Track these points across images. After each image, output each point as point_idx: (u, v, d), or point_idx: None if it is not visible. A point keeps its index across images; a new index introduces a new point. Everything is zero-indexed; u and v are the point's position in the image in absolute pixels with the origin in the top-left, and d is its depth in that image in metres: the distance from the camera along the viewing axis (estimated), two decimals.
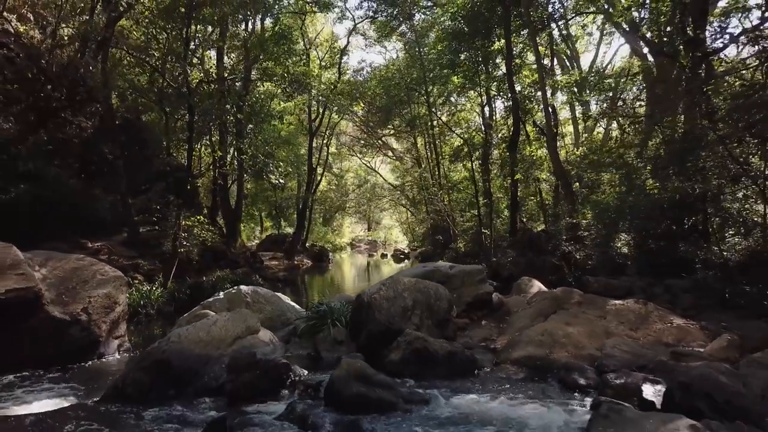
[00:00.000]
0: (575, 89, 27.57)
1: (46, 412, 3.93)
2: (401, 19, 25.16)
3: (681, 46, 12.48)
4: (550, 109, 19.67)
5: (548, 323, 5.75)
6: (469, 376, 4.50)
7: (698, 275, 8.29)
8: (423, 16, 25.62)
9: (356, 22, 25.25)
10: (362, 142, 36.07)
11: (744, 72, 10.57)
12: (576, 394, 4.01)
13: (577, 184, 16.56)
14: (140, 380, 4.22)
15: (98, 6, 14.21)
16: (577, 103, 27.35)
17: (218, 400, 4.08)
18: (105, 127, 13.37)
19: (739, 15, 12.70)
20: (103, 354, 6.71)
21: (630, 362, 4.34)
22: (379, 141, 35.12)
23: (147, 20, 12.00)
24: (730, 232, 10.17)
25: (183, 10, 11.61)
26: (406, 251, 36.07)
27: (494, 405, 3.71)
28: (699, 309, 7.38)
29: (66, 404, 4.24)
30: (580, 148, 19.24)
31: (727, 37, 11.81)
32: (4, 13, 15.78)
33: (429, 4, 26.88)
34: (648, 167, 11.77)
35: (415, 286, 5.52)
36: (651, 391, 3.53)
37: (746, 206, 9.79)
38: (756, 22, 11.13)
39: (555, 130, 17.99)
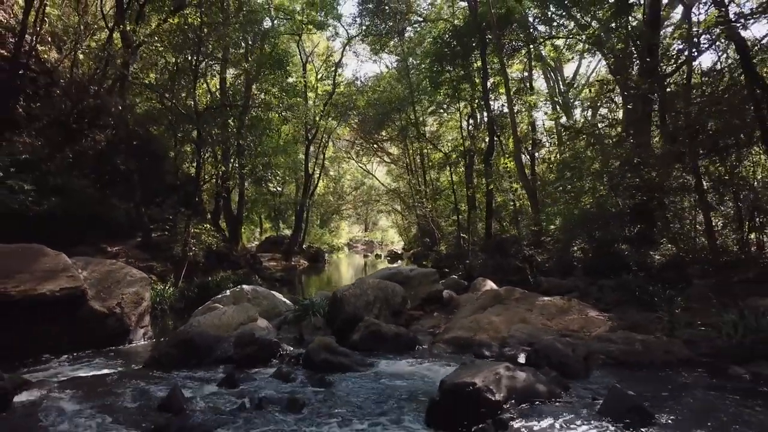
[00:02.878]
0: (558, 100, 29.23)
1: (108, 374, 5.61)
2: (394, 33, 26.74)
3: (634, 70, 14.13)
4: (529, 122, 21.30)
5: (482, 314, 7.41)
6: (410, 351, 6.17)
7: (623, 277, 9.94)
8: (413, 34, 27.26)
9: (350, 36, 26.88)
10: (357, 147, 37.57)
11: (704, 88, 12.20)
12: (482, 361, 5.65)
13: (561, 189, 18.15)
14: (172, 353, 5.89)
15: (113, 33, 15.84)
16: (561, 113, 28.95)
17: (228, 366, 5.72)
18: (120, 142, 15.00)
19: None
20: (132, 340, 8.31)
21: (525, 341, 5.99)
22: (375, 145, 36.63)
23: (160, 54, 13.64)
24: (663, 240, 11.89)
25: (191, 42, 13.26)
26: (399, 252, 37.78)
27: (419, 367, 5.37)
28: (617, 304, 9.02)
29: (119, 370, 5.91)
30: (562, 155, 20.88)
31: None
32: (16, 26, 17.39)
33: (419, 19, 28.57)
34: (600, 181, 13.43)
35: (377, 285, 7.19)
36: (523, 357, 5.19)
37: (681, 217, 11.49)
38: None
39: (534, 144, 19.63)
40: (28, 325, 7.07)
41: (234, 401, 4.43)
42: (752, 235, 10.96)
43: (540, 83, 31.72)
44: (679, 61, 12.29)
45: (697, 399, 4.00)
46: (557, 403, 3.89)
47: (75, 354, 7.32)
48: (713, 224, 11.56)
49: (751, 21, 10.25)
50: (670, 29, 17.49)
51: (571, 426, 3.48)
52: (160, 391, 4.82)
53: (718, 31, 10.64)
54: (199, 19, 13.04)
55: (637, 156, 10.92)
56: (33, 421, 4.08)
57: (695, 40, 10.04)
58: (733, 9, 10.47)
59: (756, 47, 10.39)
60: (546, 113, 25.56)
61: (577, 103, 27.21)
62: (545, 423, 3.53)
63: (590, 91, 24.18)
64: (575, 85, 30.07)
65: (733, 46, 11.50)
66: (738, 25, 10.21)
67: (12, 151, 13.15)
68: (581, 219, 12.42)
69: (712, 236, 8.38)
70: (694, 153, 9.91)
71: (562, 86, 31.34)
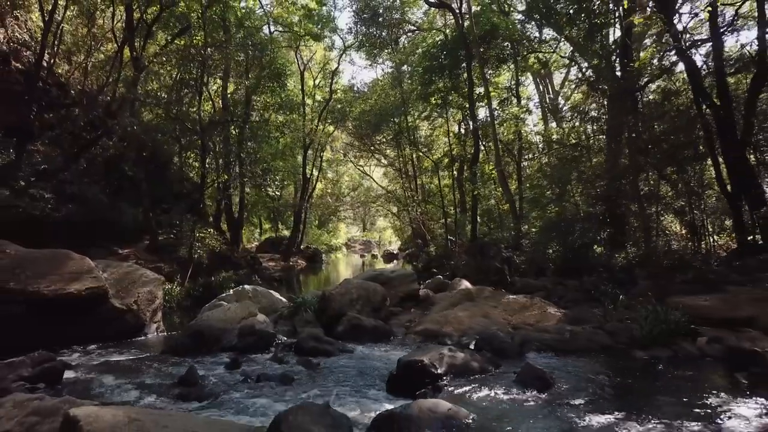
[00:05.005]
0: (548, 106, 30.23)
1: (133, 359, 6.76)
2: (388, 42, 27.82)
3: (606, 85, 15.28)
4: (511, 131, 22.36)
5: (452, 310, 8.55)
6: (386, 340, 7.33)
7: (583, 278, 11.11)
8: (407, 43, 28.35)
9: (346, 46, 28.00)
10: (355, 149, 38.57)
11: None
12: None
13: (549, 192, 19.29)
14: (185, 342, 7.04)
15: (123, 50, 16.93)
16: (551, 118, 30.02)
17: (232, 353, 6.85)
18: (129, 151, 16.13)
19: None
20: (146, 333, 9.38)
21: (480, 331, 7.12)
22: (372, 147, 37.67)
23: (166, 70, 14.79)
24: (629, 244, 13.06)
25: (196, 60, 14.42)
26: (395, 252, 38.94)
27: (390, 353, 6.52)
28: (576, 302, 10.16)
29: (141, 356, 7.05)
30: (544, 163, 22.01)
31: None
32: (36, 47, 18.55)
33: (413, 28, 29.69)
34: (571, 189, 14.57)
35: (360, 285, 8.36)
36: (467, 343, 6.36)
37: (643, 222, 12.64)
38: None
39: (519, 152, 20.74)
40: (58, 320, 8.18)
41: (238, 378, 5.58)
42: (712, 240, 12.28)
43: (531, 88, 32.82)
44: (644, 81, 13.48)
45: (595, 373, 5.16)
46: (485, 376, 5.04)
47: (99, 345, 8.40)
48: (679, 230, 12.81)
49: (701, 46, 11.46)
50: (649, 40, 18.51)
51: (489, 389, 4.63)
52: (178, 371, 5.96)
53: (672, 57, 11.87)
54: (202, 40, 14.17)
55: (602, 167, 12.10)
56: (83, 391, 5.22)
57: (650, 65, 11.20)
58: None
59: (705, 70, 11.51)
60: (538, 119, 26.67)
61: (565, 108, 28.25)
62: (470, 387, 4.69)
63: (582, 95, 25.23)
64: (564, 91, 31.10)
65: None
66: (689, 51, 11.41)
67: (31, 161, 14.32)
68: (553, 224, 13.58)
69: (650, 242, 9.53)
70: (636, 166, 11.14)
71: (551, 92, 32.41)
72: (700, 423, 3.80)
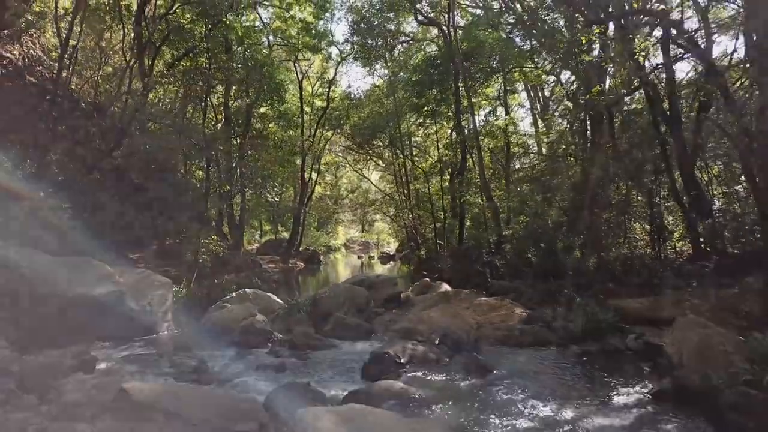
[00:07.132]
0: (539, 114, 31.36)
1: (150, 353, 7.97)
2: (383, 50, 28.92)
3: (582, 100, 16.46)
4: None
5: (427, 311, 9.74)
6: (368, 337, 8.54)
7: (550, 281, 12.29)
8: (402, 53, 29.52)
9: (343, 56, 29.21)
10: (353, 152, 39.59)
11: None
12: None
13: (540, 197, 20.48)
14: (196, 338, 8.24)
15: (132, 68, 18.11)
16: (542, 123, 31.07)
17: (236, 347, 8.06)
18: (138, 162, 17.33)
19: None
20: (159, 331, 10.51)
21: (448, 330, 8.31)
22: (370, 151, 38.69)
23: (174, 92, 16.00)
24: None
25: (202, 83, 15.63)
26: (392, 254, 40.04)
27: (369, 347, 7.71)
28: (541, 303, 11.35)
29: (157, 351, 8.26)
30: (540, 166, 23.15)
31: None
32: (48, 61, 19.76)
33: (408, 39, 30.86)
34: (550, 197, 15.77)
35: (347, 289, 9.59)
36: (434, 339, 7.56)
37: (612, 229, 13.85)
38: None
39: (507, 160, 21.91)
40: (83, 320, 9.35)
41: (241, 367, 6.79)
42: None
43: (523, 95, 33.88)
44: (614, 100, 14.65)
45: (531, 362, 6.36)
46: (439, 365, 6.26)
47: (118, 342, 9.55)
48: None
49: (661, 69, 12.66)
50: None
51: (439, 374, 5.85)
52: (191, 362, 7.15)
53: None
54: (206, 60, 15.37)
55: (577, 176, 13.33)
56: (114, 378, 6.40)
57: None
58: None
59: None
60: (530, 123, 27.73)
61: (556, 114, 29.34)
62: (424, 372, 5.91)
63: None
64: (555, 97, 32.20)
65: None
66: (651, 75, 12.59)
67: (50, 173, 15.54)
68: (529, 231, 14.79)
69: (601, 248, 10.73)
70: (607, 177, 12.36)
71: (541, 99, 33.50)
72: (595, 397, 5.00)
